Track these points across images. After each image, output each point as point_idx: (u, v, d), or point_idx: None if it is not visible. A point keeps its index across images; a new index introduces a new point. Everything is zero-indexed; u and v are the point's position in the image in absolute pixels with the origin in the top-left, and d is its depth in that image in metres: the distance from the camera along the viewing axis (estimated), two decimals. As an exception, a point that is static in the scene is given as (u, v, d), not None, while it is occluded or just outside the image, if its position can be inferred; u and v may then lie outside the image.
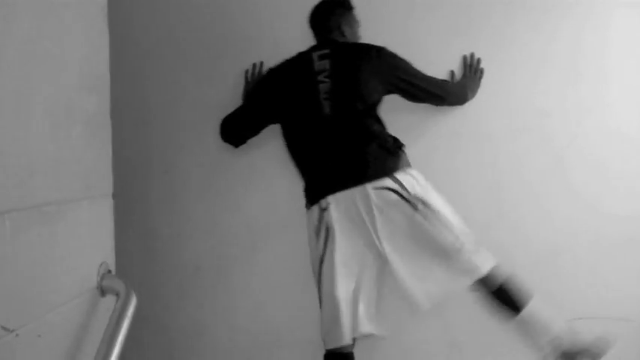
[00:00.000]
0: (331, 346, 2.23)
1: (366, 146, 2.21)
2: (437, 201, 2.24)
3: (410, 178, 2.22)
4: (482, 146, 2.63)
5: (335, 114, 2.22)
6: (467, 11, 2.65)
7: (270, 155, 2.66)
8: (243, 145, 2.59)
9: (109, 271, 1.84)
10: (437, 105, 2.53)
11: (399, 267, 2.20)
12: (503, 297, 2.25)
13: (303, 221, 2.62)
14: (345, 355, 2.23)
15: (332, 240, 2.21)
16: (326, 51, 2.29)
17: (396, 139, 2.29)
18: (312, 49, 2.33)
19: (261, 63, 2.64)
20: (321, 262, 2.24)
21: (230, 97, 2.65)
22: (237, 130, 2.49)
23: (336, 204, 2.20)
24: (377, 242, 2.20)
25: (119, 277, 1.84)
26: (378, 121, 2.31)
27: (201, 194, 2.70)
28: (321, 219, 2.24)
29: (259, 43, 2.67)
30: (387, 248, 2.19)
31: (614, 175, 2.66)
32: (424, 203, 2.19)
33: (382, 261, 2.24)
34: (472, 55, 2.63)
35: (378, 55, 2.32)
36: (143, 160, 2.70)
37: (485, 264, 2.22)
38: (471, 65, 2.62)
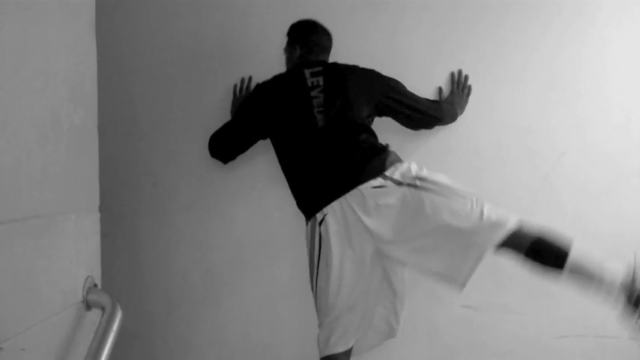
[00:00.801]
0: (324, 354, 2.24)
1: (354, 153, 2.23)
2: (438, 176, 2.21)
3: (403, 169, 2.22)
4: (469, 162, 2.65)
5: (328, 126, 2.25)
6: (453, 27, 2.68)
7: (259, 169, 2.67)
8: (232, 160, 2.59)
9: (95, 285, 1.83)
10: (429, 128, 2.56)
11: (415, 258, 2.18)
12: (541, 253, 2.06)
13: (292, 235, 2.63)
14: None
15: (327, 252, 2.21)
16: (319, 69, 2.34)
17: (384, 145, 2.31)
18: (303, 65, 2.37)
19: (250, 77, 2.66)
20: (317, 273, 2.25)
21: (219, 110, 2.66)
22: (226, 146, 2.50)
23: (333, 214, 2.20)
24: (381, 244, 2.20)
25: (105, 291, 1.82)
26: (371, 133, 2.34)
27: (189, 207, 2.70)
28: (313, 232, 2.25)
29: (248, 57, 2.69)
30: (396, 246, 2.17)
31: (600, 192, 2.68)
32: (422, 179, 2.18)
33: (391, 265, 2.28)
34: (460, 72, 2.66)
35: (369, 75, 2.38)
36: (131, 173, 2.70)
37: (510, 218, 2.08)
38: (458, 82, 2.65)
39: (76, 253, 1.72)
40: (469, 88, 2.65)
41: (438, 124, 2.56)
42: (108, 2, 2.37)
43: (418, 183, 2.16)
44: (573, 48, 2.69)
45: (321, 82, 2.30)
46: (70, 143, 1.64)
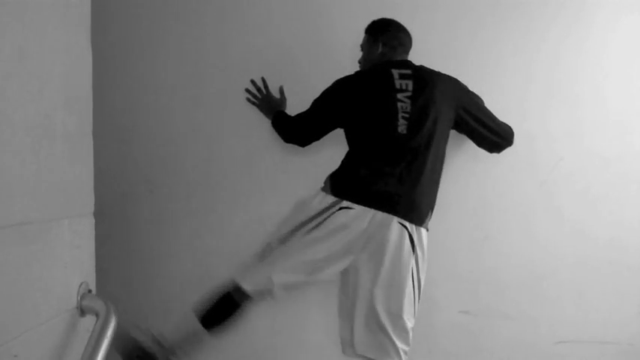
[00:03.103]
0: (242, 284, 2.25)
1: (426, 185, 2.25)
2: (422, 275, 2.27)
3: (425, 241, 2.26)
4: (467, 168, 2.65)
5: (409, 136, 2.21)
6: (452, 35, 2.68)
7: (255, 174, 2.66)
8: (229, 164, 2.59)
9: (90, 291, 1.82)
10: (498, 151, 2.52)
11: (379, 308, 2.22)
12: None
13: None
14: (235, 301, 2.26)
15: (329, 230, 2.20)
16: (407, 71, 2.28)
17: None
18: (390, 64, 2.32)
19: (262, 78, 2.66)
20: (306, 231, 2.25)
21: (216, 114, 2.66)
22: (302, 133, 2.45)
23: (360, 217, 2.18)
24: (367, 275, 2.23)
25: (100, 297, 1.81)
26: (443, 154, 2.33)
27: (186, 213, 2.70)
28: (327, 208, 2.22)
29: (245, 61, 2.69)
30: (376, 289, 2.21)
31: (598, 198, 2.68)
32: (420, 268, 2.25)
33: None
34: None
35: (453, 85, 2.35)
36: (127, 178, 2.70)
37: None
38: None
39: (71, 259, 1.71)
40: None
41: (504, 145, 2.52)
42: (103, 7, 2.37)
43: (420, 265, 2.23)
44: (571, 54, 2.70)
45: (410, 87, 2.25)
46: (65, 149, 1.63)
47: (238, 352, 2.71)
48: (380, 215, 2.18)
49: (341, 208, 2.20)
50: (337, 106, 2.34)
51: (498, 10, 2.69)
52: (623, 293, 2.68)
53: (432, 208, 2.28)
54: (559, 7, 2.68)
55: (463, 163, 2.65)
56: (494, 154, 2.54)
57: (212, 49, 2.70)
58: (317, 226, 2.22)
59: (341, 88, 2.34)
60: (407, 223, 2.18)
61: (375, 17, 2.47)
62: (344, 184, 2.26)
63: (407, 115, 2.21)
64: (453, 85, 2.36)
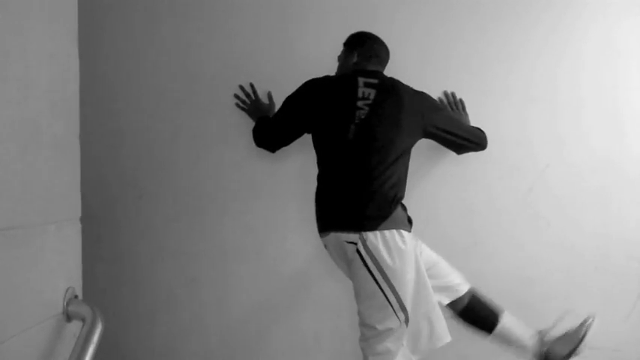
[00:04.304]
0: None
1: (375, 192, 2.21)
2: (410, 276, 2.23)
3: (395, 240, 2.20)
4: (453, 175, 2.66)
5: (356, 142, 2.21)
6: (437, 43, 2.70)
7: (244, 180, 2.67)
8: (218, 169, 2.59)
9: (76, 297, 1.82)
10: (467, 152, 2.55)
11: None
12: (473, 317, 2.42)
13: (276, 246, 2.63)
14: None
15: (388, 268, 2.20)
16: (374, 81, 2.28)
17: (399, 196, 2.28)
18: (358, 73, 2.32)
19: (251, 84, 2.67)
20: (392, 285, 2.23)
21: (205, 119, 2.67)
22: (271, 136, 2.45)
23: (328, 242, 2.28)
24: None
25: (86, 303, 1.81)
26: (401, 167, 2.29)
27: (174, 218, 2.70)
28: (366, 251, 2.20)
29: (234, 65, 2.69)
30: None
31: (584, 205, 2.70)
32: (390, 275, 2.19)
33: None
34: (447, 94, 2.67)
35: (421, 100, 2.34)
36: (114, 183, 2.70)
37: None
38: (455, 103, 2.66)
39: (57, 264, 1.71)
40: (462, 101, 2.67)
41: (479, 150, 2.55)
42: (90, 12, 2.37)
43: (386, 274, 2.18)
44: (553, 61, 2.72)
45: (372, 96, 2.24)
46: (51, 154, 1.64)
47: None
48: (333, 236, 2.24)
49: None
50: (302, 107, 2.35)
51: (478, 17, 2.70)
52: (609, 300, 2.70)
53: (383, 213, 2.25)
54: (539, 14, 2.70)
55: (451, 170, 2.66)
56: (486, 161, 2.59)
57: (201, 54, 2.71)
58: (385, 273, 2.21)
59: (308, 90, 2.36)
60: (352, 235, 2.18)
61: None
62: (317, 218, 2.32)
63: (358, 122, 2.22)
64: (421, 101, 2.36)
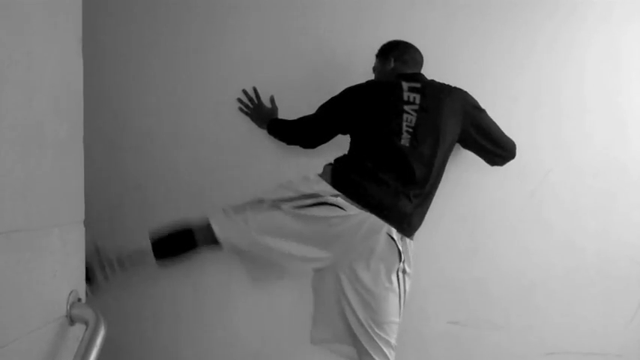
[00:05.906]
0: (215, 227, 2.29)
1: (423, 199, 2.27)
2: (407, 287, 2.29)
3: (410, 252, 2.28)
4: (456, 180, 2.66)
5: (411, 149, 2.23)
6: (442, 47, 2.69)
7: (246, 182, 2.67)
8: (221, 172, 2.59)
9: (79, 300, 1.81)
10: (501, 165, 2.56)
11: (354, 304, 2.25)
12: None
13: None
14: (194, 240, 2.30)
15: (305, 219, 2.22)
16: (417, 85, 2.29)
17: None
18: (401, 77, 2.34)
19: (254, 88, 2.68)
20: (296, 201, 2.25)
21: (208, 121, 2.66)
22: (307, 137, 2.47)
23: (351, 219, 2.19)
24: (347, 280, 2.26)
25: (89, 306, 1.80)
26: (443, 169, 2.36)
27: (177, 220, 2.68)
28: (320, 197, 2.21)
29: (237, 67, 2.70)
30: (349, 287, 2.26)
31: (586, 210, 2.70)
32: (407, 274, 2.25)
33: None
34: None
35: (462, 98, 2.37)
36: (118, 186, 2.70)
37: None
38: None
39: (60, 267, 1.70)
40: None
41: (507, 162, 2.55)
42: (94, 15, 2.37)
43: (407, 271, 2.25)
44: (558, 67, 2.72)
45: (417, 101, 2.25)
46: (55, 157, 1.63)
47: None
48: (372, 219, 2.18)
49: (333, 204, 2.20)
50: (345, 112, 2.35)
51: (483, 23, 2.71)
52: (612, 304, 2.70)
53: (422, 220, 2.29)
54: (544, 20, 2.71)
55: (454, 174, 2.65)
56: (486, 166, 2.55)
57: (204, 58, 2.71)
58: (308, 205, 2.20)
59: (351, 95, 2.36)
60: (394, 233, 2.18)
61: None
62: (343, 179, 2.26)
63: (411, 129, 2.22)
64: (462, 100, 2.37)
